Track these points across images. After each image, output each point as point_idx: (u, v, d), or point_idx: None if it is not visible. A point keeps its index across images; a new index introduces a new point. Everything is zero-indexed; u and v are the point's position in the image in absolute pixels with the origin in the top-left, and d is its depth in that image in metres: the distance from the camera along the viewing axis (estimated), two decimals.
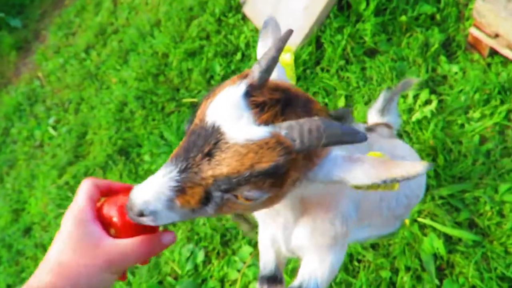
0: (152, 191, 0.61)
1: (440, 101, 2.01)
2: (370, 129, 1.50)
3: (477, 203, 1.72)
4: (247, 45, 2.68)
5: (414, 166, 0.60)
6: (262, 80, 0.62)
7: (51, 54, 4.02)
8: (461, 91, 1.98)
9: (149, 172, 2.50)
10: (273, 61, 0.62)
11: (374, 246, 1.77)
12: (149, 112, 2.75)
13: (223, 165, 0.58)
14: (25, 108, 3.70)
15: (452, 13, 2.19)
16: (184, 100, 2.67)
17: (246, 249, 1.96)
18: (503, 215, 1.67)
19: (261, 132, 0.58)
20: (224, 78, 2.63)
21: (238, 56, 2.66)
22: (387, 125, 1.55)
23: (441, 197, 1.76)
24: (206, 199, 0.62)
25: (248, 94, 0.60)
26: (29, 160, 3.27)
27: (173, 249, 2.10)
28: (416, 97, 2.05)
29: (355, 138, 0.58)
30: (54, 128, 3.34)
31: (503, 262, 1.57)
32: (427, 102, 2.02)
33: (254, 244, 1.98)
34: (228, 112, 0.60)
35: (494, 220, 1.66)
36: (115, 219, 0.65)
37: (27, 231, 2.86)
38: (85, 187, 0.67)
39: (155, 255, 0.64)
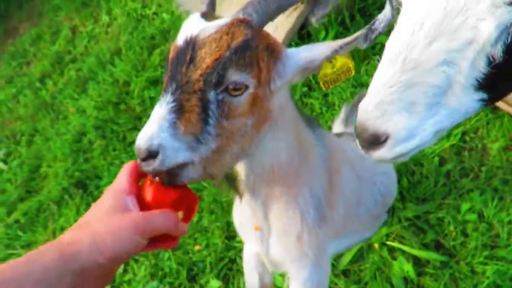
0: (153, 123, 0.64)
1: None
2: (337, 136, 1.59)
3: (441, 224, 1.76)
4: None
5: (353, 36, 0.75)
6: (210, 8, 0.79)
7: (2, 84, 3.80)
8: None
9: None
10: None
11: (345, 273, 1.74)
12: (109, 142, 2.63)
13: (206, 58, 0.67)
14: None
15: None
16: None
17: (215, 283, 1.86)
18: (466, 234, 1.71)
19: (224, 20, 0.72)
20: None
21: None
22: (351, 134, 1.62)
23: (407, 219, 1.78)
24: (205, 112, 0.67)
25: (203, 16, 0.75)
26: None
27: None
28: None
29: None
30: (4, 161, 3.11)
31: (470, 282, 1.59)
32: None
33: (222, 278, 1.88)
34: (194, 25, 0.72)
35: (459, 240, 1.69)
36: (148, 196, 0.69)
37: None
38: (127, 167, 0.71)
39: (178, 231, 0.68)
